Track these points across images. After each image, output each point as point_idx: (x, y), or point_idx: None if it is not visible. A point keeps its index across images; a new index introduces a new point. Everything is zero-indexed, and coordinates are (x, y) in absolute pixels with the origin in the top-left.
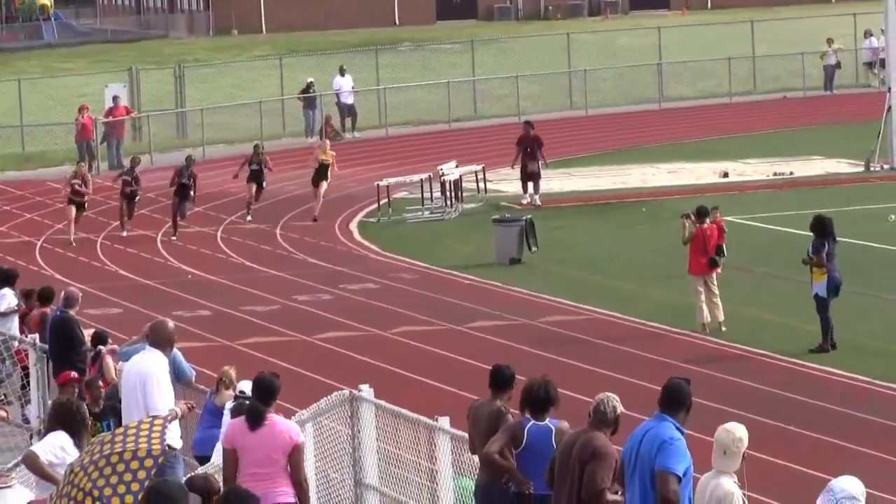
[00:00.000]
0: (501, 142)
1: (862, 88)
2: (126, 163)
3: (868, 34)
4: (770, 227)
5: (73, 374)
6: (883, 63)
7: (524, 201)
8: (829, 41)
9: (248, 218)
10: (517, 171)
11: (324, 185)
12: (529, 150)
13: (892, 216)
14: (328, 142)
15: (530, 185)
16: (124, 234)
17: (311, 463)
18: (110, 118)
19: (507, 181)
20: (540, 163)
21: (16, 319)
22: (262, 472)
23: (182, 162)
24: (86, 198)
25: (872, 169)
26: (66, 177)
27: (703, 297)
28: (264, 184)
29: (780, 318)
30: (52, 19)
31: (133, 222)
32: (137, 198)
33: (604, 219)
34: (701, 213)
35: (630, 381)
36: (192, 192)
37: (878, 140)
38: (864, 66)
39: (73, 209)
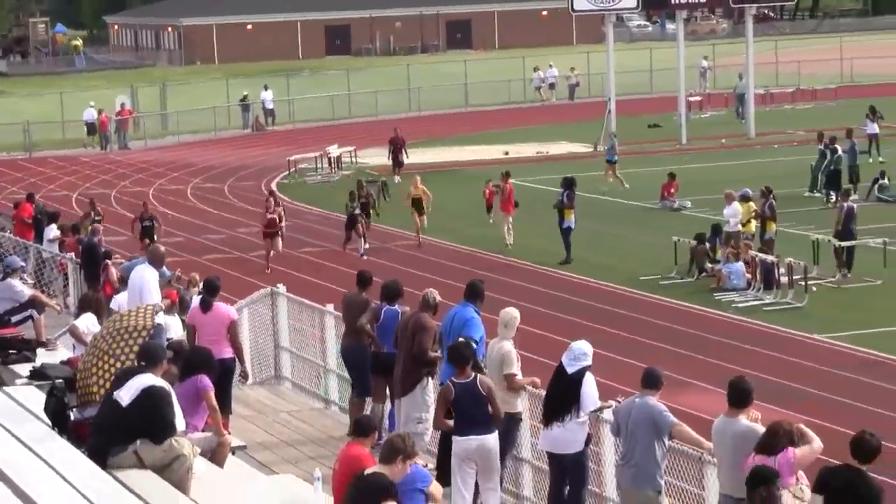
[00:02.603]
0: (367, 132)
1: (595, 98)
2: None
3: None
4: (536, 186)
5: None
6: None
7: (396, 179)
8: (572, 69)
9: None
10: (384, 152)
11: (424, 217)
12: (397, 146)
13: (605, 189)
14: (418, 177)
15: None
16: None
17: (246, 333)
18: (119, 116)
19: (370, 157)
20: (402, 154)
21: (57, 244)
22: (212, 339)
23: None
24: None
25: (598, 149)
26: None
27: (506, 228)
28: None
29: (542, 243)
30: (82, 54)
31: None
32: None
33: (435, 180)
34: (507, 175)
35: (453, 283)
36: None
37: (602, 131)
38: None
39: (269, 240)
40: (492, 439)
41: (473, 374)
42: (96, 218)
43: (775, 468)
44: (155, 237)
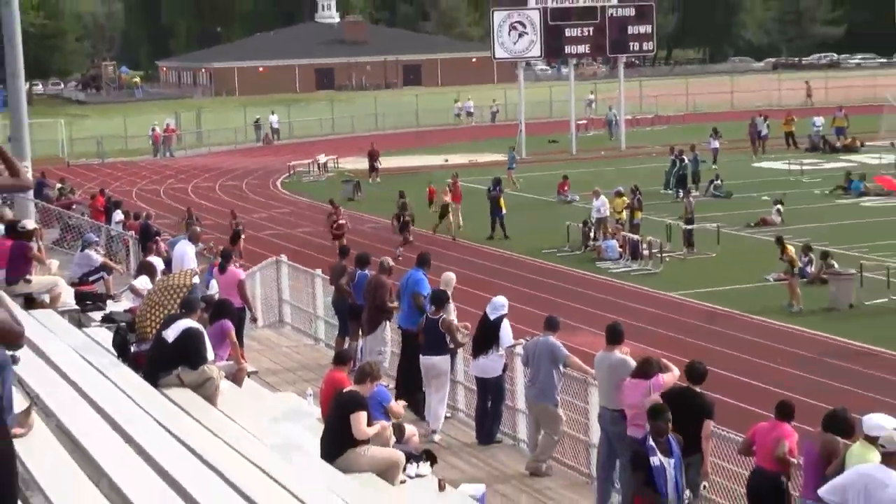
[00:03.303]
0: (346, 146)
1: (511, 121)
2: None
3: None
4: (472, 185)
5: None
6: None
7: (371, 180)
8: (494, 100)
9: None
10: (358, 160)
11: (450, 217)
12: (373, 156)
13: (521, 179)
14: (448, 185)
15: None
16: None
17: (258, 290)
18: (166, 133)
19: (348, 164)
20: (377, 161)
21: (121, 225)
22: (227, 293)
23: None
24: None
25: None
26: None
27: (459, 216)
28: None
29: (479, 225)
30: (139, 88)
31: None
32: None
33: (397, 180)
34: (456, 176)
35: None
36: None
37: (516, 144)
38: (491, 113)
39: (337, 241)
40: (440, 361)
41: (441, 315)
42: (193, 220)
43: (650, 389)
44: (241, 237)
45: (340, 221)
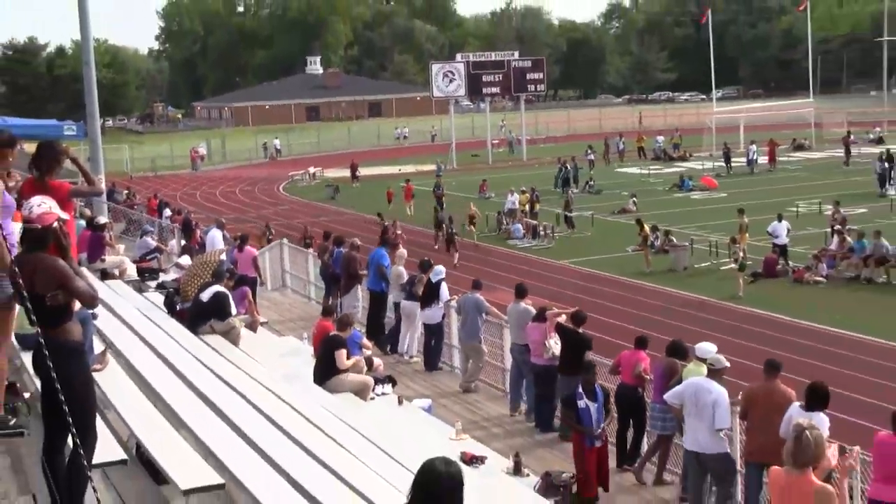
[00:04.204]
0: (329, 161)
1: (445, 141)
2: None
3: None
4: (424, 188)
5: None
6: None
7: (353, 185)
8: (433, 126)
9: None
10: (339, 171)
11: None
12: (354, 167)
13: (441, 171)
14: (472, 203)
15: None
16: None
17: (268, 263)
18: (197, 153)
19: (331, 173)
20: (357, 171)
21: (169, 219)
22: (245, 266)
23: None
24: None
25: (445, 167)
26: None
27: (409, 208)
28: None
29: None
30: (180, 122)
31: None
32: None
33: (371, 186)
34: (408, 181)
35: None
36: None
37: (448, 159)
38: (431, 136)
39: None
40: (409, 305)
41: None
42: (269, 234)
43: (546, 329)
44: (311, 244)
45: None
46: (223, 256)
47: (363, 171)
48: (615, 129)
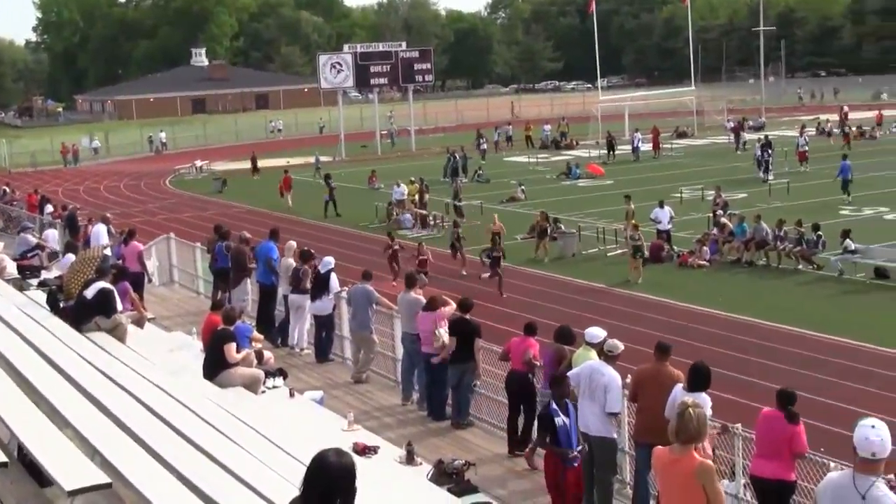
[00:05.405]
0: (215, 154)
1: (334, 133)
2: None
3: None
4: (302, 178)
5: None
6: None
7: (254, 177)
8: (321, 118)
9: None
10: (228, 164)
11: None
12: (254, 159)
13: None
14: (496, 216)
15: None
16: None
17: (155, 261)
18: (68, 150)
19: (219, 166)
20: (257, 162)
21: (51, 215)
22: (131, 260)
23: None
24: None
25: (336, 158)
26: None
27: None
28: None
29: (313, 208)
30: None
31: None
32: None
33: (270, 176)
34: (286, 171)
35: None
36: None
37: (337, 151)
38: (319, 128)
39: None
40: (297, 297)
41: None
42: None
43: (435, 319)
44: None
45: (421, 256)
46: (108, 251)
47: (260, 163)
48: (503, 119)
